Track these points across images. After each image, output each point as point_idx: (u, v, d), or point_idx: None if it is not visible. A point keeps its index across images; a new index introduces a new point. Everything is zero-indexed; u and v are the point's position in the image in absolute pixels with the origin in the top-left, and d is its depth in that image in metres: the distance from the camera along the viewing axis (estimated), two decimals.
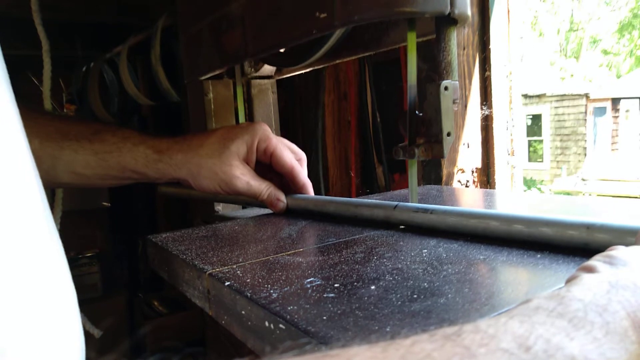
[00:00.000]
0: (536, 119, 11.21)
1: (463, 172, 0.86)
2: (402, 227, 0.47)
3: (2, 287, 0.25)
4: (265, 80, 0.92)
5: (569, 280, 0.24)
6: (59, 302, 0.31)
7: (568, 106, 10.63)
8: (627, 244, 0.29)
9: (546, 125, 11.02)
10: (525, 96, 10.74)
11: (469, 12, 0.45)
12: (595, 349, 0.18)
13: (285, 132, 1.29)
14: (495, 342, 0.17)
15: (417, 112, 0.48)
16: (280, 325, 0.28)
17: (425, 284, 0.31)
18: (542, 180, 10.89)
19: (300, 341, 0.24)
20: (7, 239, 0.26)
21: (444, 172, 0.84)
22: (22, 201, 0.29)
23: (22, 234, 0.28)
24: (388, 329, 0.25)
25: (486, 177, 0.89)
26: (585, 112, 10.35)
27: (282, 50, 0.69)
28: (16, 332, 0.26)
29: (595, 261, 0.25)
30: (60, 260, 0.32)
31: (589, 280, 0.22)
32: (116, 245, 1.93)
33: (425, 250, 0.39)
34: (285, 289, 0.32)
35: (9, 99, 0.30)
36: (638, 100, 10.53)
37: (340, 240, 0.44)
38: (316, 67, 0.75)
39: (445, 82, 0.45)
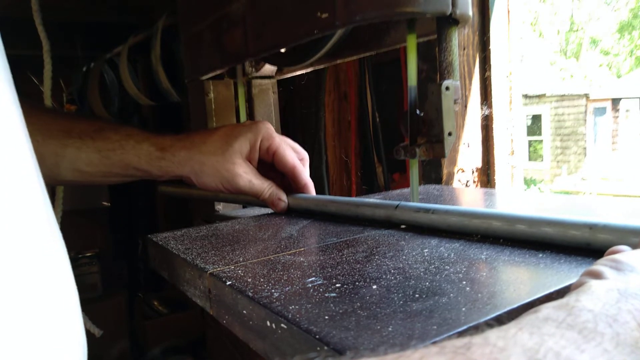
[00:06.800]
0: (536, 119, 11.21)
1: (463, 171, 0.86)
2: (403, 226, 0.47)
3: (3, 287, 0.25)
4: (266, 80, 0.92)
5: (575, 287, 0.24)
6: (61, 302, 0.31)
7: (568, 106, 10.63)
8: (629, 244, 0.29)
9: (546, 125, 11.02)
10: (525, 96, 10.74)
11: (470, 13, 0.45)
12: None
13: (286, 132, 1.29)
14: (505, 355, 0.17)
15: (418, 112, 0.48)
16: (282, 325, 0.28)
17: (427, 283, 0.31)
18: (542, 180, 10.89)
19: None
20: (8, 238, 0.26)
21: (444, 171, 0.84)
22: (24, 200, 0.29)
23: (24, 233, 0.28)
24: (390, 329, 0.25)
25: (486, 176, 0.89)
26: (585, 112, 10.36)
27: (283, 50, 0.69)
28: (18, 333, 0.26)
29: (601, 266, 0.25)
30: (62, 260, 0.32)
31: (597, 289, 0.22)
32: (116, 245, 1.93)
33: (427, 250, 0.39)
34: (287, 288, 0.32)
35: (11, 98, 0.29)
36: (638, 100, 10.54)
37: (342, 239, 0.44)
38: (317, 67, 0.75)
39: (446, 82, 0.45)
